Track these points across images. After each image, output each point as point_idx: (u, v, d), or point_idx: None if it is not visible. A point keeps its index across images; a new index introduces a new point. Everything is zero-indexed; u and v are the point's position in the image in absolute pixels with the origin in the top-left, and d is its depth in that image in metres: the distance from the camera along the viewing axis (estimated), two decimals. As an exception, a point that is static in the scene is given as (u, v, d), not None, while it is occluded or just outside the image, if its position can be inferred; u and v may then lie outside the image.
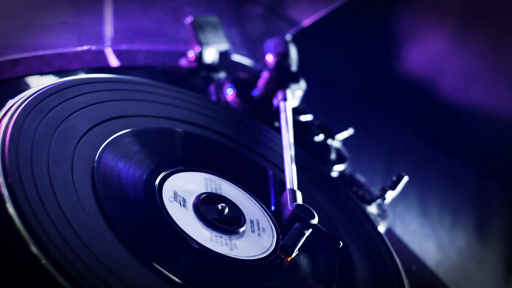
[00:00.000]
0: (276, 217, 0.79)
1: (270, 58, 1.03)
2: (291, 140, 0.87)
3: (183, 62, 1.08)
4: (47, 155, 0.64)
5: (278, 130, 0.96)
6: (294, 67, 1.03)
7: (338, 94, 1.36)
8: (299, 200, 0.76)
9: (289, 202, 0.76)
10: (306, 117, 1.02)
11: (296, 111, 1.01)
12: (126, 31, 1.14)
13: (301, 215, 0.73)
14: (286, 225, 0.74)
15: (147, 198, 0.69)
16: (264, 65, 1.04)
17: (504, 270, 1.16)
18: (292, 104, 0.97)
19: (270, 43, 1.05)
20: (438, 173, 1.25)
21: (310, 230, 0.72)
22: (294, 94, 0.99)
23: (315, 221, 0.73)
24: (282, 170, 0.87)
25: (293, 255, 0.70)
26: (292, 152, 0.85)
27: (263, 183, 0.83)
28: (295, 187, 0.79)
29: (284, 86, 0.98)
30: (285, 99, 0.95)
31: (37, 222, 0.55)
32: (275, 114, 0.98)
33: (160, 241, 0.65)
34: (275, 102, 0.97)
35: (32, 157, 0.62)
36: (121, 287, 0.56)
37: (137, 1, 1.21)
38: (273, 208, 0.80)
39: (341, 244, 0.74)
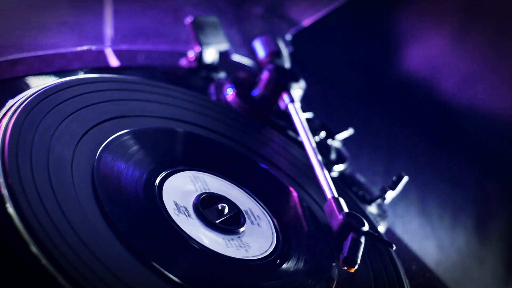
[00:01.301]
0: (277, 217, 0.79)
1: (263, 56, 1.03)
2: (314, 144, 0.87)
3: (183, 62, 1.08)
4: (47, 155, 0.64)
5: (277, 129, 0.96)
6: (287, 64, 1.03)
7: (338, 94, 1.36)
8: (345, 207, 0.76)
9: (337, 212, 0.75)
10: (306, 115, 1.01)
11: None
12: (126, 31, 1.14)
13: (353, 223, 0.72)
14: (338, 235, 0.73)
15: (147, 198, 0.69)
16: (259, 65, 1.04)
17: (504, 270, 1.16)
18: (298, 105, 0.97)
19: (259, 42, 1.05)
20: (438, 173, 1.25)
21: (364, 237, 0.72)
22: (294, 94, 0.99)
23: (366, 227, 0.73)
24: (281, 170, 0.87)
25: (357, 266, 0.70)
26: (319, 157, 0.84)
27: (262, 183, 0.83)
28: (336, 194, 0.78)
29: (284, 86, 0.98)
30: (292, 100, 0.95)
31: (37, 222, 0.55)
32: (275, 114, 0.99)
33: (160, 241, 0.65)
34: (282, 105, 0.97)
35: (32, 157, 0.62)
36: (121, 287, 0.56)
37: (137, 1, 1.21)
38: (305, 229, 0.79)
39: (394, 247, 0.74)
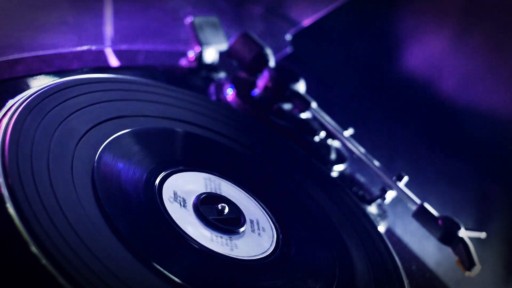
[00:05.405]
0: (277, 217, 0.79)
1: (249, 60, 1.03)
2: (362, 149, 0.92)
3: (183, 62, 1.08)
4: (47, 155, 0.64)
5: (278, 129, 0.96)
6: (270, 53, 1.03)
7: (338, 94, 1.36)
8: (434, 211, 0.83)
9: (432, 219, 0.83)
10: (306, 115, 1.02)
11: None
12: (126, 31, 1.14)
13: (455, 229, 0.81)
14: (444, 242, 0.83)
15: (147, 198, 0.69)
16: (247, 68, 1.03)
17: (504, 270, 1.16)
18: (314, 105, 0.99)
19: (237, 48, 1.03)
20: (438, 173, 1.25)
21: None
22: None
23: (462, 227, 0.81)
24: (282, 169, 0.87)
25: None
26: (377, 163, 0.90)
27: (262, 183, 0.83)
28: (417, 200, 0.85)
29: (285, 86, 0.99)
30: (307, 105, 0.96)
31: (37, 222, 0.55)
32: (275, 114, 0.99)
33: (160, 241, 0.65)
34: (295, 111, 0.99)
35: (32, 157, 0.62)
36: (121, 287, 0.56)
37: (137, 1, 1.21)
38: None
39: (485, 234, 0.83)
